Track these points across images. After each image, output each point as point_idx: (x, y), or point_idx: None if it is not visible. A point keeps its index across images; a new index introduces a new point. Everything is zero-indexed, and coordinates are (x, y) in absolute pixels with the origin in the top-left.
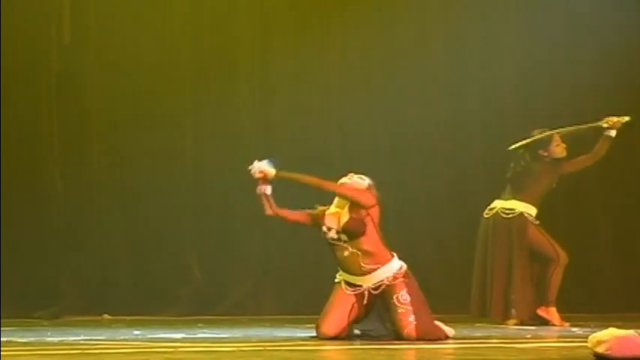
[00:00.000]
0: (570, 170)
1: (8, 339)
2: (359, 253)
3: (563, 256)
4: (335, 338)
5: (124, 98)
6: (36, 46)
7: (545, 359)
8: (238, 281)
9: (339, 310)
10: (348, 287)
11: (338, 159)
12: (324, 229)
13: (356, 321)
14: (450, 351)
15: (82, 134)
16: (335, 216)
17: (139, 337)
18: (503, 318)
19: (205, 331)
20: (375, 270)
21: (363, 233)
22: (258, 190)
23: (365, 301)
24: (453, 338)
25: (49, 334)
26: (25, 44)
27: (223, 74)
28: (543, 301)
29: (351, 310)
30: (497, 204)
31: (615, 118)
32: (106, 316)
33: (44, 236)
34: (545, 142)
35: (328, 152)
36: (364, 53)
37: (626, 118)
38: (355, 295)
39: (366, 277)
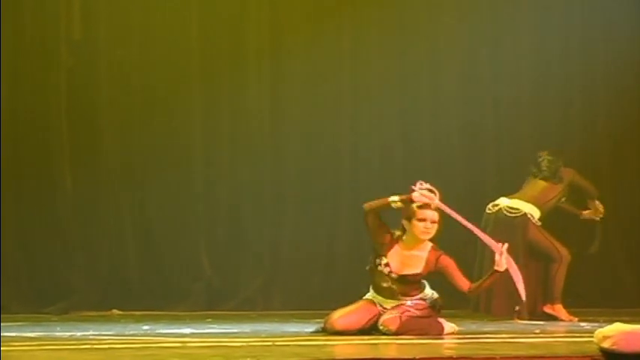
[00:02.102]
0: (577, 181)
1: (18, 334)
2: (395, 288)
3: (565, 255)
4: (340, 333)
5: (134, 94)
6: (46, 42)
7: (554, 354)
8: (248, 277)
9: (360, 313)
10: (374, 304)
11: (349, 161)
12: (383, 261)
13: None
14: (459, 346)
15: (92, 130)
16: (404, 259)
17: (148, 332)
18: (507, 315)
19: (214, 326)
20: (404, 299)
21: (414, 283)
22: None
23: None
24: (462, 333)
25: (58, 329)
26: (35, 40)
27: (234, 71)
28: (549, 299)
29: (370, 320)
30: (502, 202)
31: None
32: (115, 311)
33: (53, 232)
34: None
35: (339, 154)
36: (375, 56)
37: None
38: (380, 311)
39: (394, 301)
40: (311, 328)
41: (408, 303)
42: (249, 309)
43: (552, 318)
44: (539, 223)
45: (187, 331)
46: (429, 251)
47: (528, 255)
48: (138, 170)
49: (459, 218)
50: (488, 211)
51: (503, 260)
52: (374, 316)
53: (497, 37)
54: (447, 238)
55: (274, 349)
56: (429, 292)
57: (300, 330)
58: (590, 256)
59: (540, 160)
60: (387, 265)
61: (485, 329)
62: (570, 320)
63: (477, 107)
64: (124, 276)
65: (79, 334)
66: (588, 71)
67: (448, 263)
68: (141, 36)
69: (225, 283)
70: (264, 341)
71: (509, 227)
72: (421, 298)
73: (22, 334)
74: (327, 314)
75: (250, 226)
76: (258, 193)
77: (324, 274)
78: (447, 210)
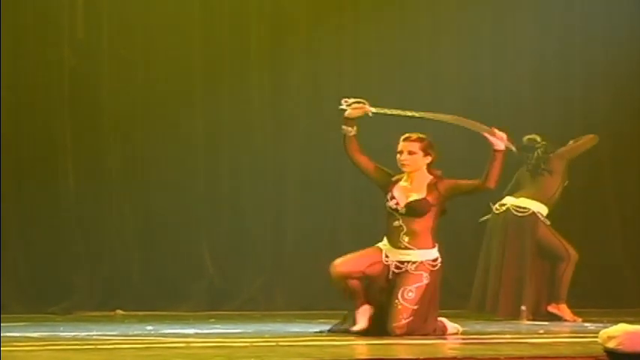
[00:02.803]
0: (575, 153)
1: (21, 334)
2: (405, 227)
3: (573, 254)
4: (343, 277)
5: (137, 93)
6: (49, 41)
7: (558, 355)
8: (251, 277)
9: (363, 257)
10: (382, 256)
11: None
12: (389, 196)
13: (368, 288)
14: (463, 346)
15: (95, 128)
16: (406, 190)
17: (152, 332)
18: (513, 315)
19: (218, 326)
20: (409, 249)
21: (422, 215)
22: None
23: (386, 277)
24: (466, 334)
25: (61, 329)
26: (39, 39)
27: (236, 69)
28: (553, 299)
29: (372, 264)
30: (509, 201)
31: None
32: (118, 311)
33: (57, 231)
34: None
35: (342, 154)
36: (376, 54)
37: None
38: (384, 264)
39: (399, 251)
40: (315, 328)
41: (407, 295)
42: (253, 309)
43: (556, 318)
44: (548, 222)
45: (191, 331)
46: (430, 179)
47: (537, 254)
48: (141, 170)
49: (417, 114)
50: (496, 211)
51: (497, 139)
52: (376, 263)
53: (498, 38)
54: (462, 235)
55: (278, 349)
56: (435, 254)
57: (303, 330)
58: (594, 257)
59: (535, 148)
60: (393, 198)
61: (490, 330)
62: (574, 320)
63: (476, 99)
64: (128, 276)
65: (82, 334)
66: (589, 70)
67: (449, 181)
68: (144, 35)
69: (228, 283)
70: (267, 341)
71: (519, 226)
72: (425, 265)
73: (25, 334)
74: (331, 314)
75: (253, 226)
76: (261, 193)
77: (327, 274)
78: (390, 112)
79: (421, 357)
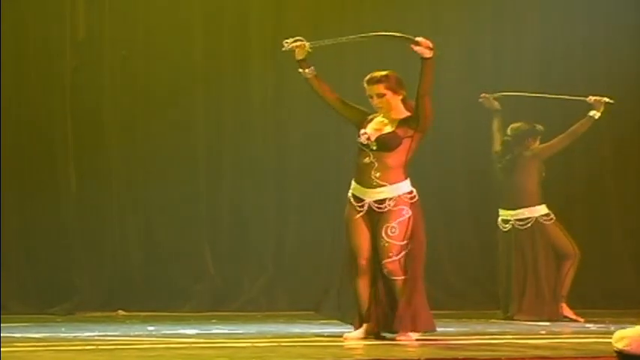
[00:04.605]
0: (549, 153)
1: (23, 335)
2: (376, 164)
3: (577, 252)
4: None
5: (138, 94)
6: (50, 42)
7: (559, 355)
8: (252, 277)
9: (362, 235)
10: (355, 202)
11: (353, 156)
12: (361, 132)
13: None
14: (465, 346)
15: (96, 130)
16: (382, 124)
17: (153, 333)
18: (538, 316)
19: (219, 327)
20: (381, 186)
21: (393, 149)
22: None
23: (370, 220)
24: (467, 334)
25: (63, 329)
26: (39, 40)
27: (237, 71)
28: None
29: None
30: (509, 215)
31: (599, 98)
32: (120, 312)
33: (58, 232)
34: (534, 132)
35: (343, 154)
36: (377, 53)
37: (608, 99)
38: (362, 216)
39: (372, 190)
40: (317, 329)
41: (390, 232)
42: (254, 309)
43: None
44: (553, 216)
45: (193, 331)
46: (406, 115)
47: (553, 256)
48: (142, 171)
49: (345, 39)
50: (504, 229)
51: (423, 47)
52: (363, 224)
53: (499, 38)
54: (462, 235)
55: (279, 349)
56: (408, 186)
57: (305, 331)
58: (595, 257)
59: (510, 143)
60: (364, 134)
61: (491, 330)
62: (576, 321)
63: (476, 107)
64: (129, 277)
65: (84, 334)
66: (591, 71)
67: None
68: (145, 36)
69: (230, 283)
70: (270, 342)
71: (530, 237)
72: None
73: (27, 334)
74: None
75: (254, 226)
76: (262, 194)
77: (329, 274)
78: (325, 42)
79: (422, 358)
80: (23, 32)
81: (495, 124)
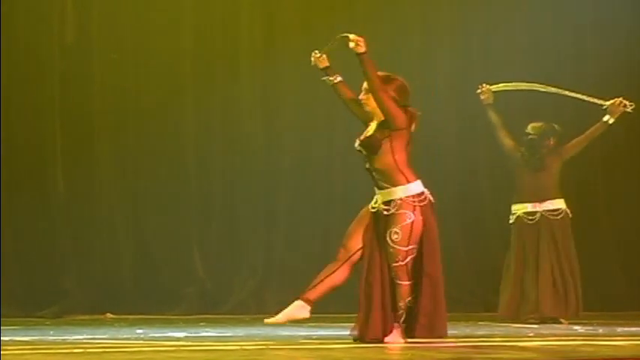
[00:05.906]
0: (571, 153)
1: (11, 338)
2: (372, 167)
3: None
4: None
5: (127, 98)
6: (39, 46)
7: (547, 358)
8: (241, 280)
9: (360, 225)
10: (372, 202)
11: (343, 159)
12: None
13: (369, 243)
14: (453, 349)
15: (85, 134)
16: (366, 129)
17: (142, 336)
18: (558, 315)
19: (208, 330)
20: (385, 188)
21: (375, 152)
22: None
23: (377, 222)
24: (455, 337)
25: (51, 333)
26: (28, 44)
27: (227, 73)
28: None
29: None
30: (536, 207)
31: (619, 101)
32: (108, 315)
33: (47, 235)
34: (552, 131)
35: (333, 155)
36: (369, 50)
37: (629, 108)
38: (372, 213)
39: (380, 192)
40: (304, 332)
41: (393, 237)
42: (243, 312)
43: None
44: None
45: (181, 334)
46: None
47: (575, 253)
48: (131, 174)
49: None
50: (529, 222)
51: (353, 43)
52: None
53: (490, 31)
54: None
55: (268, 352)
56: (417, 188)
57: (293, 334)
58: (586, 261)
59: (532, 142)
60: (358, 139)
61: (479, 333)
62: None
63: (470, 101)
64: (118, 280)
65: (72, 337)
66: (580, 71)
67: None
68: (134, 39)
69: (219, 286)
70: (258, 345)
71: (561, 227)
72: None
73: (15, 337)
74: (321, 318)
75: (243, 229)
76: (251, 197)
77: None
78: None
79: None
80: (12, 35)
81: (494, 118)
